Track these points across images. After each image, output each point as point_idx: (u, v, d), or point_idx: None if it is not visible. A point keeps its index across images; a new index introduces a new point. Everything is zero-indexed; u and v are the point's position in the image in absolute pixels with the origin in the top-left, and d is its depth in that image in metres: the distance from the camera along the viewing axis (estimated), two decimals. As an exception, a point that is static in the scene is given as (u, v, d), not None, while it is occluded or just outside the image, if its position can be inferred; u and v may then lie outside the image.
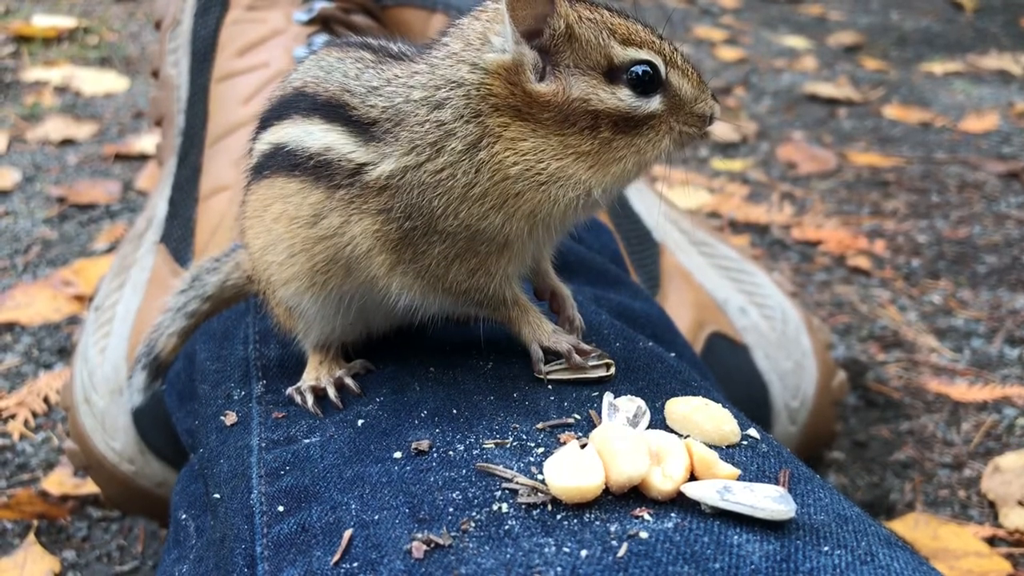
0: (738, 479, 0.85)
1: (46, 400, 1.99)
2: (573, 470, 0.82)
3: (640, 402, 0.97)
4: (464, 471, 0.89)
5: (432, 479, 0.88)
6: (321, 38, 1.67)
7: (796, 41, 4.68)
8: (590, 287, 1.38)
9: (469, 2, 1.81)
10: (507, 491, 0.85)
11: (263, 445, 1.04)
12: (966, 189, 3.06)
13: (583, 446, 0.87)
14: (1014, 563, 1.60)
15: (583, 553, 0.75)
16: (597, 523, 0.79)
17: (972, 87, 4.05)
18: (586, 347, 1.04)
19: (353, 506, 0.88)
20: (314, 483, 0.94)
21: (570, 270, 1.35)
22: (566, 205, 0.98)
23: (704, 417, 0.94)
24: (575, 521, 0.80)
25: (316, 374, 1.13)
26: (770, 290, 1.76)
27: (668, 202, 1.87)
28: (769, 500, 0.80)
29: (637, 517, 0.80)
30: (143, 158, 3.08)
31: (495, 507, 0.83)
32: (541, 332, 1.05)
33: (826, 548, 0.78)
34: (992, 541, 1.66)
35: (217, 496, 1.04)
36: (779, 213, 2.85)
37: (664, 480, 0.82)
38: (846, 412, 2.00)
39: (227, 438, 1.09)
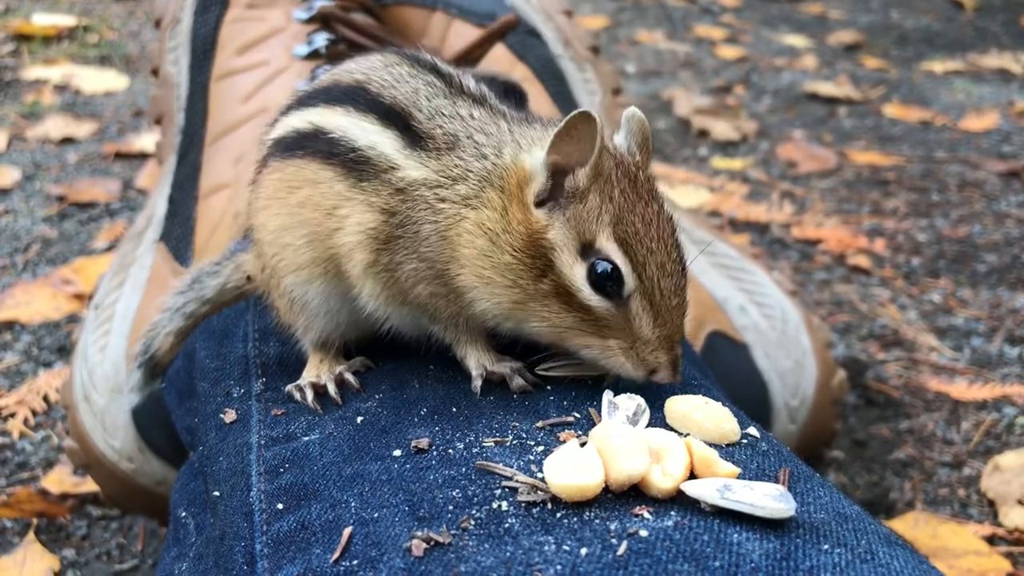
0: (738, 477, 0.85)
1: (46, 398, 1.99)
2: (573, 468, 0.82)
3: (640, 400, 0.97)
4: (464, 469, 0.89)
5: (432, 477, 0.88)
6: (321, 36, 1.67)
7: (796, 40, 4.68)
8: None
9: (469, 1, 1.82)
10: (507, 489, 0.85)
11: (262, 443, 1.04)
12: (966, 188, 3.06)
13: (583, 444, 0.87)
14: (1013, 562, 1.60)
15: (583, 551, 0.75)
16: (597, 521, 0.79)
17: (972, 86, 4.05)
18: (529, 377, 1.04)
19: (353, 504, 0.88)
20: (314, 481, 0.94)
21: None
22: (481, 311, 1.01)
23: (704, 415, 0.94)
24: (575, 519, 0.80)
25: (316, 371, 1.13)
26: (770, 289, 1.76)
27: (668, 201, 1.87)
28: (769, 498, 0.80)
29: (637, 515, 0.80)
30: (143, 156, 3.08)
31: (495, 505, 0.83)
32: (486, 359, 1.05)
33: (826, 546, 0.78)
34: (992, 540, 1.66)
35: (217, 494, 1.04)
36: (779, 212, 2.85)
37: (664, 478, 0.82)
38: (846, 411, 2.00)
39: (226, 436, 1.09)
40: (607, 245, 0.95)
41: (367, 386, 1.09)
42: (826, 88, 3.92)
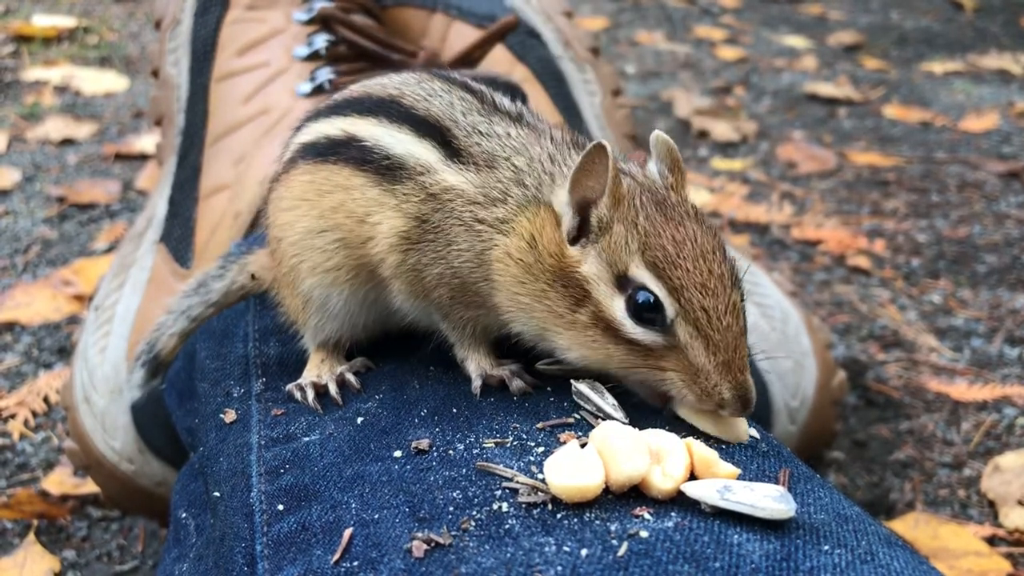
0: (738, 478, 0.85)
1: (46, 400, 1.99)
2: (573, 469, 0.82)
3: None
4: (464, 470, 0.89)
5: (432, 478, 0.88)
6: (321, 37, 1.67)
7: (796, 41, 4.68)
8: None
9: (469, 2, 1.82)
10: (507, 490, 0.85)
11: (263, 443, 1.04)
12: (966, 189, 3.06)
13: (583, 445, 0.87)
14: (1014, 563, 1.60)
15: (583, 552, 0.75)
16: (597, 522, 0.79)
17: (972, 87, 4.05)
18: (528, 378, 1.03)
19: (353, 505, 0.88)
20: (314, 482, 0.94)
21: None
22: (517, 333, 1.02)
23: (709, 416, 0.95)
24: (575, 520, 0.80)
25: (317, 371, 1.13)
26: (770, 289, 1.76)
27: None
28: (769, 499, 0.80)
29: (637, 516, 0.80)
30: (143, 158, 3.08)
31: (495, 506, 0.83)
32: (486, 363, 1.05)
33: (826, 547, 0.78)
34: (992, 540, 1.66)
35: (217, 494, 1.04)
36: (779, 212, 2.85)
37: (664, 479, 0.82)
38: (846, 411, 2.00)
39: (227, 436, 1.09)
40: (639, 272, 0.92)
41: (367, 387, 1.10)
42: (826, 89, 3.92)
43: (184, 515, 1.20)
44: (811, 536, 0.79)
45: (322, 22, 1.68)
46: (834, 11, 5.25)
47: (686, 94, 3.78)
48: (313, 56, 1.66)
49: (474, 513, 0.83)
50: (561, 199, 0.96)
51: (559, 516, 0.81)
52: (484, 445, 0.92)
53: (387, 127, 1.07)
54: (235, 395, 1.16)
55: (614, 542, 0.76)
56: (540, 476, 0.86)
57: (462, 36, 1.77)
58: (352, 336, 1.16)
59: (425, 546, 0.80)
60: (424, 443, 0.94)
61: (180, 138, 1.72)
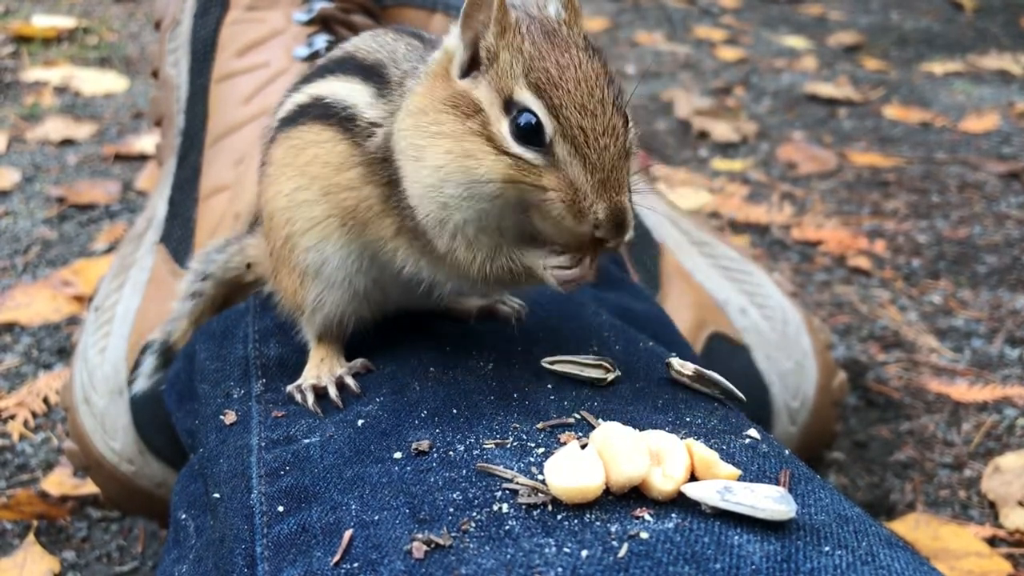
0: (739, 479, 0.85)
1: (46, 400, 1.99)
2: (573, 470, 0.82)
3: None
4: (464, 471, 0.89)
5: (432, 479, 0.88)
6: (321, 38, 1.67)
7: (796, 41, 4.68)
8: (590, 288, 1.37)
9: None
10: (507, 491, 0.85)
11: (263, 444, 1.04)
12: (966, 189, 3.06)
13: (583, 446, 0.87)
14: (1014, 563, 1.60)
15: (583, 553, 0.75)
16: (597, 523, 0.79)
17: (972, 87, 4.05)
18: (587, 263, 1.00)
19: (353, 506, 0.88)
20: (314, 483, 0.94)
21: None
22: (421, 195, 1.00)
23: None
24: (575, 521, 0.80)
25: (317, 372, 1.13)
26: (770, 290, 1.76)
27: (668, 202, 1.87)
28: (770, 500, 0.80)
29: (638, 517, 0.80)
30: (143, 158, 3.08)
31: (495, 507, 0.83)
32: (546, 257, 1.01)
33: (827, 548, 0.78)
34: (992, 541, 1.66)
35: (217, 496, 1.04)
36: (779, 213, 2.85)
37: (665, 480, 0.82)
38: (846, 412, 1.99)
39: (227, 437, 1.09)
40: (522, 94, 0.94)
41: (367, 388, 1.09)
42: (826, 89, 3.92)
43: (184, 516, 1.20)
44: (812, 537, 0.79)
45: (322, 23, 1.68)
46: (834, 11, 5.25)
47: (686, 94, 3.78)
48: (313, 57, 1.66)
49: (474, 514, 0.83)
50: (453, 38, 0.99)
51: (559, 517, 0.81)
52: (484, 446, 0.92)
53: (343, 80, 1.10)
54: (235, 396, 1.15)
55: (614, 543, 0.76)
56: (540, 477, 0.86)
57: (462, 36, 1.77)
58: (355, 312, 1.15)
59: (425, 547, 0.80)
60: (424, 444, 0.94)
61: (180, 139, 1.72)
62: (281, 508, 0.93)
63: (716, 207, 2.87)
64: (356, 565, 0.81)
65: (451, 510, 0.84)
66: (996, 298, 2.41)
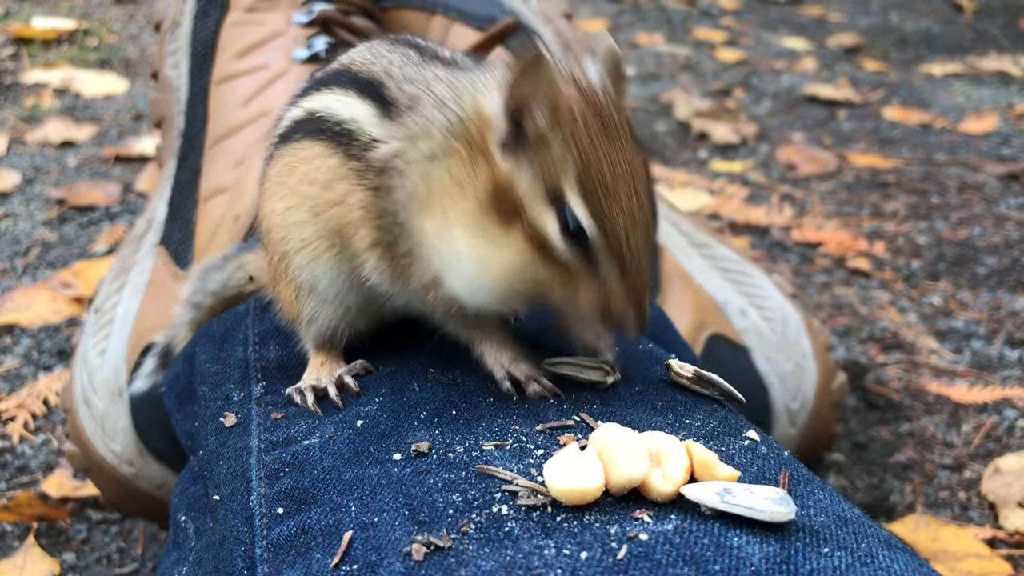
0: (738, 481, 0.85)
1: (46, 402, 1.99)
2: (573, 472, 0.82)
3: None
4: (464, 473, 0.89)
5: (432, 481, 0.88)
6: (321, 40, 1.67)
7: (796, 43, 4.68)
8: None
9: (468, 5, 1.82)
10: (507, 493, 0.85)
11: (262, 446, 1.04)
12: (966, 190, 3.06)
13: (583, 448, 0.87)
14: (1014, 565, 1.60)
15: (583, 555, 0.75)
16: (597, 525, 0.79)
17: (972, 88, 4.05)
18: (547, 383, 1.02)
19: (353, 508, 0.88)
20: (314, 485, 0.94)
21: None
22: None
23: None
24: (575, 523, 0.80)
25: (317, 374, 1.13)
26: (770, 292, 1.76)
27: (668, 204, 1.87)
28: (769, 502, 0.80)
29: (637, 519, 0.80)
30: (143, 160, 3.09)
31: (495, 509, 0.83)
32: (503, 356, 1.04)
33: (826, 550, 0.78)
34: (992, 543, 1.66)
35: (216, 498, 1.04)
36: (779, 215, 2.85)
37: (664, 482, 0.82)
38: (846, 414, 1.99)
39: (226, 440, 1.09)
40: (572, 196, 0.90)
41: (367, 389, 1.09)
42: (826, 91, 3.92)
43: (184, 518, 1.20)
44: (811, 538, 0.79)
45: (322, 24, 1.68)
46: (834, 13, 5.25)
47: (686, 96, 3.78)
48: (313, 59, 1.66)
49: (474, 516, 0.83)
50: (495, 103, 0.93)
51: (559, 519, 0.81)
52: (484, 447, 0.92)
53: (337, 94, 1.08)
54: (235, 399, 1.16)
55: (614, 545, 0.76)
56: (540, 479, 0.86)
57: (462, 38, 1.78)
58: (350, 323, 1.15)
59: (425, 549, 0.80)
60: (424, 446, 0.94)
61: (180, 140, 1.72)
62: (281, 510, 0.93)
63: (716, 208, 2.87)
64: (355, 567, 0.81)
65: (450, 512, 0.84)
66: (996, 299, 2.41)
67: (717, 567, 0.74)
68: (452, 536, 0.81)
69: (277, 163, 1.14)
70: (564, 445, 0.91)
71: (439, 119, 0.97)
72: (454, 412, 1.00)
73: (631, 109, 0.99)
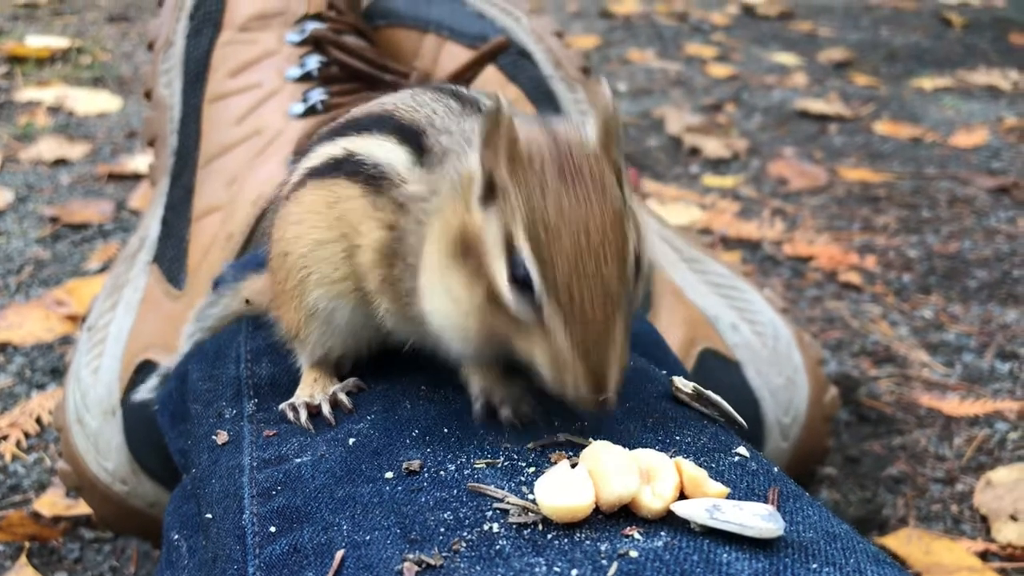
0: (727, 497, 0.85)
1: (38, 421, 1.99)
2: (564, 489, 0.83)
3: None
4: (455, 491, 0.89)
5: (423, 499, 0.89)
6: (313, 59, 1.68)
7: (786, 58, 4.71)
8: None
9: (460, 23, 1.83)
10: (498, 511, 0.85)
11: (254, 464, 1.04)
12: (956, 204, 3.07)
13: (574, 465, 0.87)
14: (1006, 578, 1.60)
15: (573, 572, 0.76)
16: (587, 542, 0.80)
17: (962, 102, 4.08)
18: (523, 411, 1.00)
19: (345, 527, 0.89)
20: (306, 503, 0.95)
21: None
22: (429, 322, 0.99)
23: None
24: (565, 540, 0.80)
25: (311, 390, 1.13)
26: (761, 306, 1.77)
27: (659, 219, 1.88)
28: (758, 518, 0.81)
29: (627, 536, 0.80)
30: (136, 178, 3.09)
31: (486, 527, 0.83)
32: (486, 379, 1.03)
33: (814, 565, 0.78)
34: (985, 556, 1.66)
35: (209, 516, 1.04)
36: (770, 229, 2.86)
37: (654, 499, 0.83)
38: (838, 427, 2.00)
39: (219, 458, 1.09)
40: (519, 241, 0.87)
41: (359, 407, 1.10)
42: (816, 105, 3.95)
43: (176, 537, 1.20)
44: (799, 554, 0.80)
45: (314, 43, 1.69)
46: (824, 28, 5.29)
47: (677, 111, 3.80)
48: (305, 77, 1.67)
49: (465, 534, 0.83)
50: (473, 159, 0.93)
51: (549, 536, 0.81)
52: (475, 466, 0.93)
53: (378, 138, 1.08)
54: (227, 416, 1.16)
55: (604, 562, 0.76)
56: (531, 496, 0.86)
57: (454, 57, 1.79)
58: (355, 353, 1.16)
59: (416, 568, 0.80)
60: (415, 464, 0.94)
61: (173, 159, 1.73)
62: (273, 528, 0.94)
63: (707, 223, 2.88)
64: (347, 585, 0.82)
65: (442, 530, 0.84)
66: (987, 312, 2.43)
67: (707, 583, 0.74)
68: (444, 554, 0.81)
69: (311, 194, 1.12)
70: (555, 463, 0.91)
71: (452, 173, 0.98)
72: (446, 430, 1.00)
73: (621, 157, 0.96)
